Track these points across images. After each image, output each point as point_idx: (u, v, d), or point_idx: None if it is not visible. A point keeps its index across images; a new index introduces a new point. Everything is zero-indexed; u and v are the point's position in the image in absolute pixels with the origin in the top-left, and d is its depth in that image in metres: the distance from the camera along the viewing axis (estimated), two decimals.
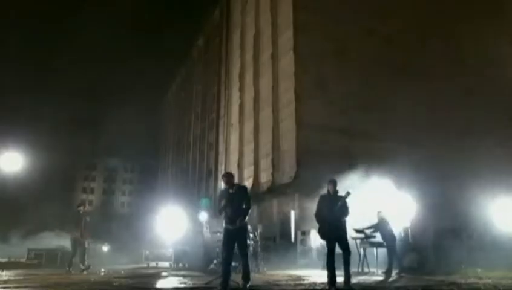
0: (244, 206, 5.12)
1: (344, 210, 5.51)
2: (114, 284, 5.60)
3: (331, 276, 5.01)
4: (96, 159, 56.83)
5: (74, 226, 8.27)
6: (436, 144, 15.17)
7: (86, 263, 8.12)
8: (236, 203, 5.07)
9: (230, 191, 5.12)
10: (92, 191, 55.60)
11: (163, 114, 47.78)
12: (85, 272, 7.81)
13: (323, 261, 7.75)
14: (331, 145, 15.38)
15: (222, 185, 5.81)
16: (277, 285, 5.36)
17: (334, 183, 5.71)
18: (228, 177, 5.28)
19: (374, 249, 7.27)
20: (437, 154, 14.59)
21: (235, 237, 4.93)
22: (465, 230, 9.32)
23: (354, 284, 5.24)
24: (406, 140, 14.90)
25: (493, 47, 18.06)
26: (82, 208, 8.75)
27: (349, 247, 5.45)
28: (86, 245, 8.32)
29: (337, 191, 5.70)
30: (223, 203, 5.11)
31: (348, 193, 5.52)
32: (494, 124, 16.83)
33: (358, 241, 7.40)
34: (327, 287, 4.98)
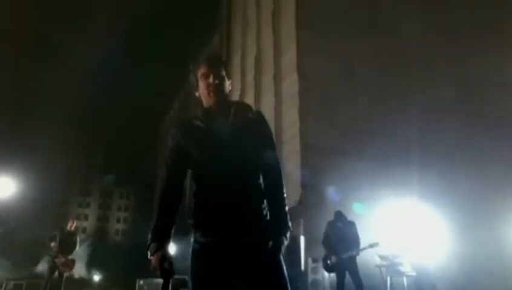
0: (263, 162, 1.86)
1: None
2: None
3: None
4: (91, 185, 55.72)
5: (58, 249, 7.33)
6: (449, 168, 14.48)
7: None
8: (245, 152, 1.79)
9: (230, 120, 1.84)
10: (86, 217, 54.17)
11: (161, 139, 47.18)
12: None
13: None
14: (338, 167, 14.64)
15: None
16: None
17: (339, 215, 5.58)
18: (215, 66, 1.93)
19: (403, 278, 6.43)
20: (451, 178, 13.88)
21: (243, 274, 1.70)
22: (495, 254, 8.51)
23: None
24: (418, 163, 14.21)
25: (500, 69, 17.62)
26: (71, 225, 7.79)
27: (361, 282, 4.98)
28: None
29: (345, 218, 5.55)
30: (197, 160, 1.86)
31: (375, 244, 5.54)
32: (504, 148, 16.23)
33: (383, 269, 6.55)
34: None
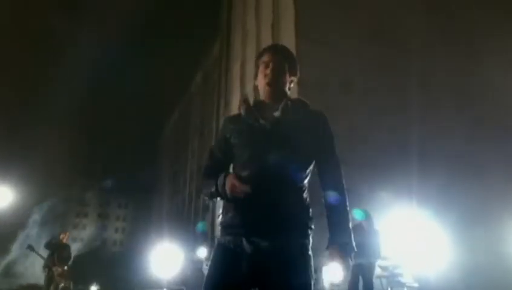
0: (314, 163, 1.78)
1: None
2: None
3: None
4: (90, 194, 55.48)
5: (54, 258, 7.27)
6: (449, 177, 14.45)
7: None
8: (285, 149, 1.65)
9: (276, 114, 1.73)
10: (84, 227, 53.85)
11: (160, 149, 47.14)
12: None
13: None
14: None
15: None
16: None
17: (368, 217, 5.34)
18: (278, 56, 1.81)
19: (404, 289, 6.36)
20: (451, 187, 13.84)
21: (267, 273, 1.55)
22: (496, 264, 8.44)
23: None
24: (417, 173, 14.18)
25: (500, 76, 17.65)
26: (63, 236, 7.79)
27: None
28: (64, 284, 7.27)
29: (372, 225, 5.31)
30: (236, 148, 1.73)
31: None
32: (504, 156, 16.21)
33: (384, 280, 6.47)
34: None
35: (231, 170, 1.77)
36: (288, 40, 17.76)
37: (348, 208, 1.75)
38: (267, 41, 19.88)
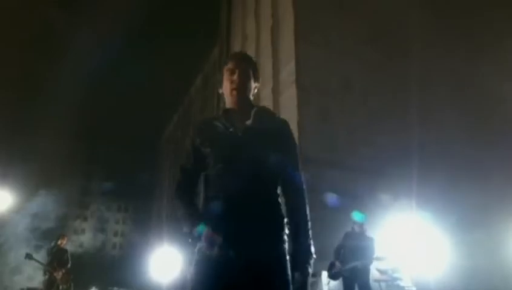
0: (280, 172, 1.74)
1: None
2: None
3: None
4: (89, 198, 55.41)
5: (54, 264, 7.26)
6: (449, 181, 14.46)
7: None
8: (259, 156, 1.66)
9: (248, 122, 1.73)
10: (83, 231, 53.72)
11: (160, 152, 47.18)
12: None
13: None
14: (337, 180, 14.62)
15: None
16: None
17: (360, 224, 5.38)
18: (242, 63, 1.84)
19: None
20: (452, 190, 13.84)
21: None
22: (496, 267, 8.41)
23: None
24: (418, 176, 14.18)
25: (500, 82, 17.69)
26: (61, 241, 7.77)
27: None
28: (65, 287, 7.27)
29: (364, 231, 5.35)
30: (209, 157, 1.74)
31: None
32: (505, 160, 16.21)
33: (382, 284, 6.46)
34: None
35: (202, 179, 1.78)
36: (288, 43, 17.80)
37: (308, 212, 1.75)
38: (266, 44, 19.89)
